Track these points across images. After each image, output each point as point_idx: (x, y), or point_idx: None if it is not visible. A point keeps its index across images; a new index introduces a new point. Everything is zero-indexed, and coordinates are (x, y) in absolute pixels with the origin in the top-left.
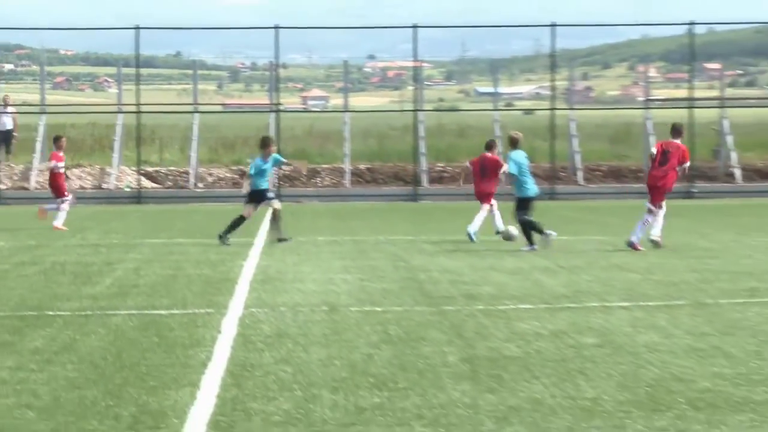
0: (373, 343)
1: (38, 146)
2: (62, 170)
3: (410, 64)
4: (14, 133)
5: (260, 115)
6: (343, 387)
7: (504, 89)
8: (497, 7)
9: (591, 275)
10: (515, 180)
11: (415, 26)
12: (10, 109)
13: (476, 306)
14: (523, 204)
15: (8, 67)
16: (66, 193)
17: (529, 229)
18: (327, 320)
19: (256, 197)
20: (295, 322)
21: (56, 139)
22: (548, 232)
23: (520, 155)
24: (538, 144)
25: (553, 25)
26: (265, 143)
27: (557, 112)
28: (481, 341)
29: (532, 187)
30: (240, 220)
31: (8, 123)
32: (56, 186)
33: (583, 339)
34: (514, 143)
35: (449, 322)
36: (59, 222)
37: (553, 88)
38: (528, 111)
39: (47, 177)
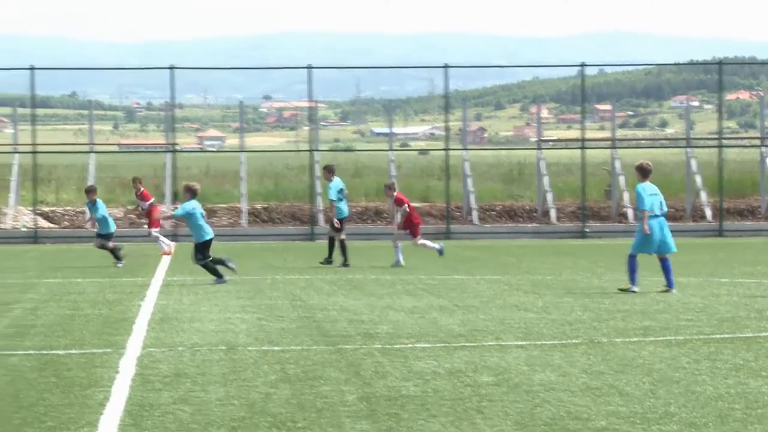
0: (272, 382)
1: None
2: None
3: (305, 104)
4: None
5: (157, 155)
6: (241, 426)
7: (399, 129)
8: (391, 47)
9: (487, 314)
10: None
11: (309, 67)
12: None
13: (374, 345)
14: (200, 248)
15: None
16: None
17: (211, 267)
18: (225, 360)
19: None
20: (193, 362)
21: None
22: (227, 261)
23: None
24: (433, 183)
25: (446, 67)
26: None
27: (451, 152)
28: (379, 380)
29: (208, 231)
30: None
31: None
32: None
33: (480, 378)
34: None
35: (347, 361)
36: None
37: (447, 129)
38: (423, 151)
39: None
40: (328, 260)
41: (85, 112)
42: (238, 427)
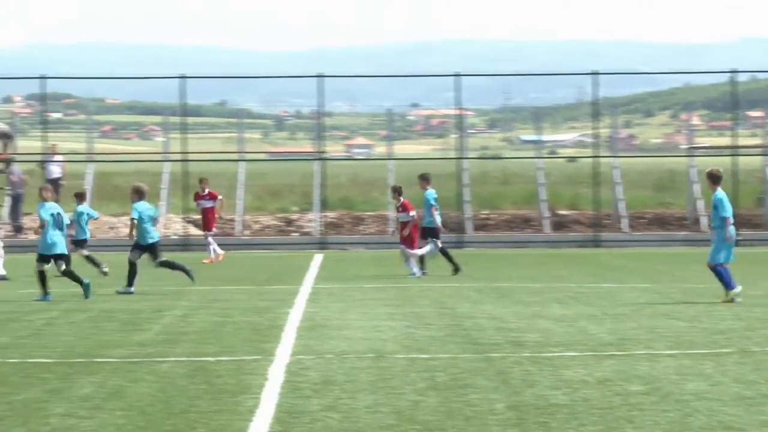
0: (420, 390)
1: (86, 195)
2: None
3: (453, 112)
4: (61, 182)
5: (305, 163)
6: None
7: (547, 137)
8: (540, 54)
9: (637, 323)
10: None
11: (457, 74)
12: (57, 157)
13: (522, 353)
14: (144, 249)
15: (56, 116)
16: None
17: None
18: (373, 367)
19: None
20: (341, 369)
21: None
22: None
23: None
24: (582, 191)
25: (595, 74)
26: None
27: (601, 159)
28: (528, 388)
29: (153, 236)
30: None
31: (56, 171)
32: None
33: (630, 387)
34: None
35: (495, 370)
36: None
37: (596, 136)
38: (571, 158)
39: (102, 225)
40: (456, 268)
41: (235, 120)
42: None
